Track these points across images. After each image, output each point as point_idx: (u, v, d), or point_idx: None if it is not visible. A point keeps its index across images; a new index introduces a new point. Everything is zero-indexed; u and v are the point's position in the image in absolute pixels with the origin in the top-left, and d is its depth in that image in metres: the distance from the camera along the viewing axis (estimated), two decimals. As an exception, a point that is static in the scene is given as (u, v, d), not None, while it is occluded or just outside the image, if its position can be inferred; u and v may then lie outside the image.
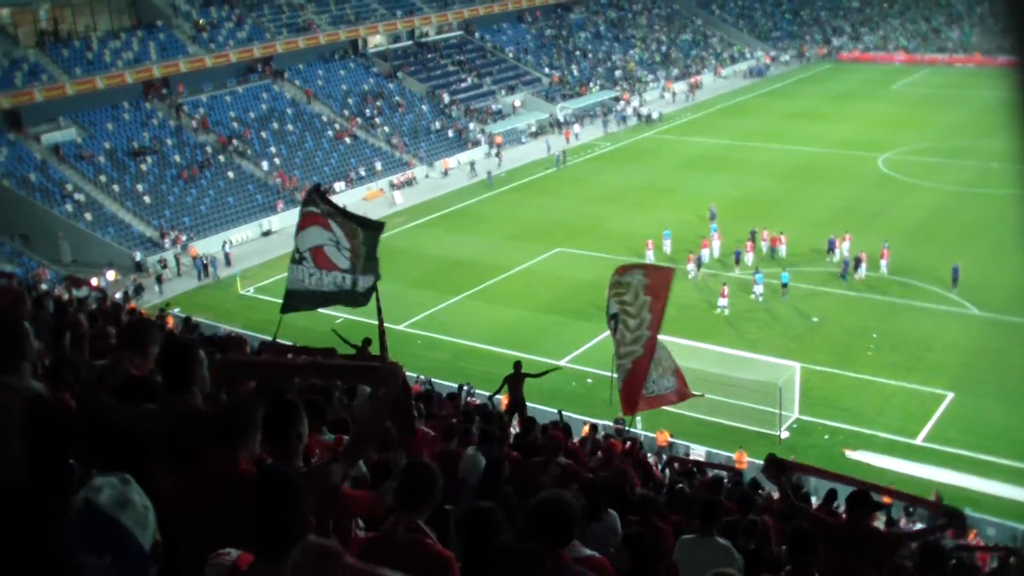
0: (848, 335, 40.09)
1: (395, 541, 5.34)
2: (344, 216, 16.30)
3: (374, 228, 16.46)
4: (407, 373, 25.46)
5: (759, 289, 44.76)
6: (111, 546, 3.46)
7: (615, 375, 15.97)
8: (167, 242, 55.54)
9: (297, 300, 17.20)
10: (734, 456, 30.57)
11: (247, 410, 5.42)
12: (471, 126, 77.35)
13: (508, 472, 11.36)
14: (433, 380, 31.62)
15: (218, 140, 66.42)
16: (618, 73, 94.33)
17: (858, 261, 46.25)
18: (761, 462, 28.23)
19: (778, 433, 32.83)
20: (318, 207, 16.03)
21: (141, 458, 5.07)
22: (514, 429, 19.88)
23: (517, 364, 24.54)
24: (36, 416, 5.43)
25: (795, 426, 33.70)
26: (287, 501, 4.15)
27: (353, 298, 16.61)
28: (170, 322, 33.18)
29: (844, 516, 10.58)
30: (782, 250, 49.46)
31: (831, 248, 48.56)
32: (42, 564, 4.24)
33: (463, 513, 5.63)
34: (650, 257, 49.29)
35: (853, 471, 29.81)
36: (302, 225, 16.22)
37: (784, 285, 44.84)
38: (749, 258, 48.38)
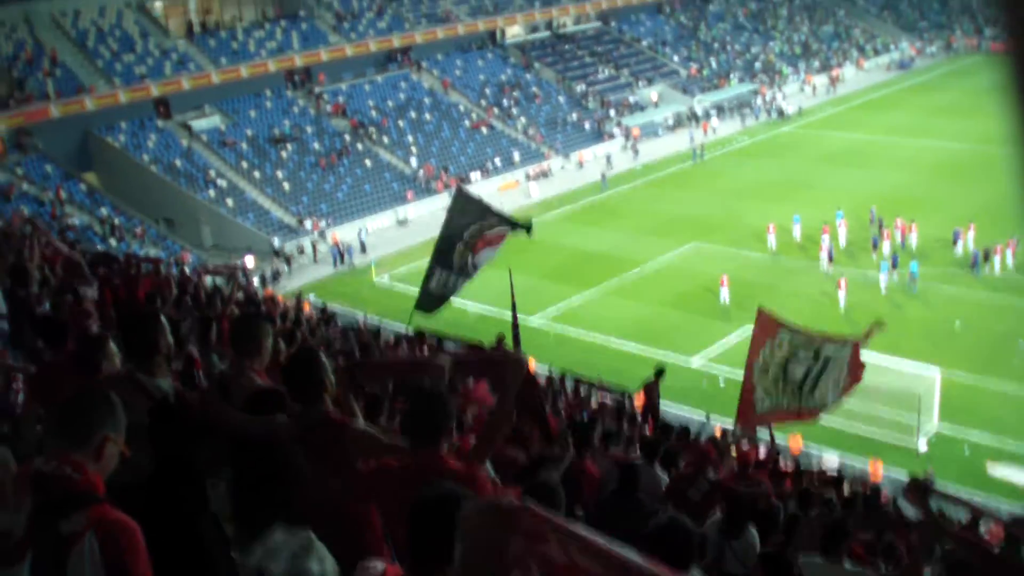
0: (994, 341, 38.43)
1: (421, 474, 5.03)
2: (499, 218, 16.81)
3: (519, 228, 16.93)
4: (538, 366, 25.35)
5: (884, 279, 44.08)
6: None
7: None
8: (305, 228, 56.50)
9: (430, 301, 17.58)
10: (868, 467, 29.53)
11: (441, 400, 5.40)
12: (609, 117, 76.98)
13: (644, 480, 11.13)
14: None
15: (356, 128, 67.28)
16: (757, 65, 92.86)
17: (987, 254, 45.05)
18: (896, 474, 27.34)
19: (916, 444, 31.65)
20: (485, 224, 16.51)
21: (274, 470, 5.07)
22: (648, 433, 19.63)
23: (660, 371, 24.35)
24: (161, 418, 5.56)
25: (934, 438, 32.41)
26: (443, 522, 4.01)
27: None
28: (307, 307, 33.63)
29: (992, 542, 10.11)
30: (912, 239, 48.36)
31: (956, 240, 47.51)
32: (172, 564, 4.27)
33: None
34: (771, 241, 49.45)
35: (996, 487, 28.70)
36: (479, 246, 16.73)
37: (913, 276, 44.00)
38: (886, 246, 47.30)
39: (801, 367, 15.50)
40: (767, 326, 15.79)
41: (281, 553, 3.60)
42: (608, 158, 69.76)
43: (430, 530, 3.89)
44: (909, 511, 11.34)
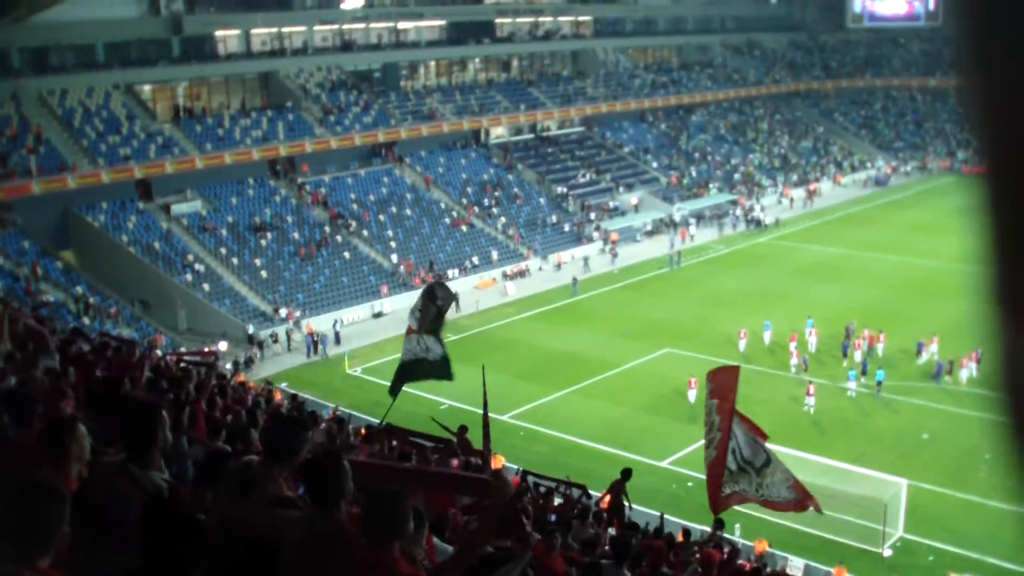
0: (960, 454, 38.69)
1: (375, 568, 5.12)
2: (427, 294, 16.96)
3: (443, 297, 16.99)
4: (508, 464, 25.27)
5: (852, 385, 45.37)
6: None
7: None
8: (280, 317, 56.44)
9: (397, 379, 17.61)
10: (833, 572, 29.64)
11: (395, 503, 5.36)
12: (589, 220, 77.62)
13: None
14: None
15: (337, 220, 67.58)
16: (736, 176, 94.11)
17: (951, 365, 46.30)
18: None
19: (881, 551, 31.80)
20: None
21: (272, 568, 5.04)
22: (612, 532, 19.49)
23: (626, 471, 24.20)
24: (155, 512, 5.45)
25: (899, 544, 32.52)
26: None
27: (431, 368, 16.82)
28: (277, 396, 33.50)
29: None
30: (880, 349, 49.49)
31: (919, 351, 48.93)
32: None
33: None
34: (742, 347, 50.43)
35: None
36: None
37: (879, 383, 45.17)
38: (857, 355, 48.65)
39: (749, 450, 15.65)
40: (724, 387, 15.91)
41: None
42: (586, 260, 70.22)
43: None
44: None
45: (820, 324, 52.01)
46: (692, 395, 44.37)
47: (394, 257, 65.43)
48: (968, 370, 46.13)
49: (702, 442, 36.74)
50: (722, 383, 15.28)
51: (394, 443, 20.48)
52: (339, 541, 5.37)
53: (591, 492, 24.99)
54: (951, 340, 47.91)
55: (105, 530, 5.72)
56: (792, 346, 49.52)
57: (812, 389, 43.90)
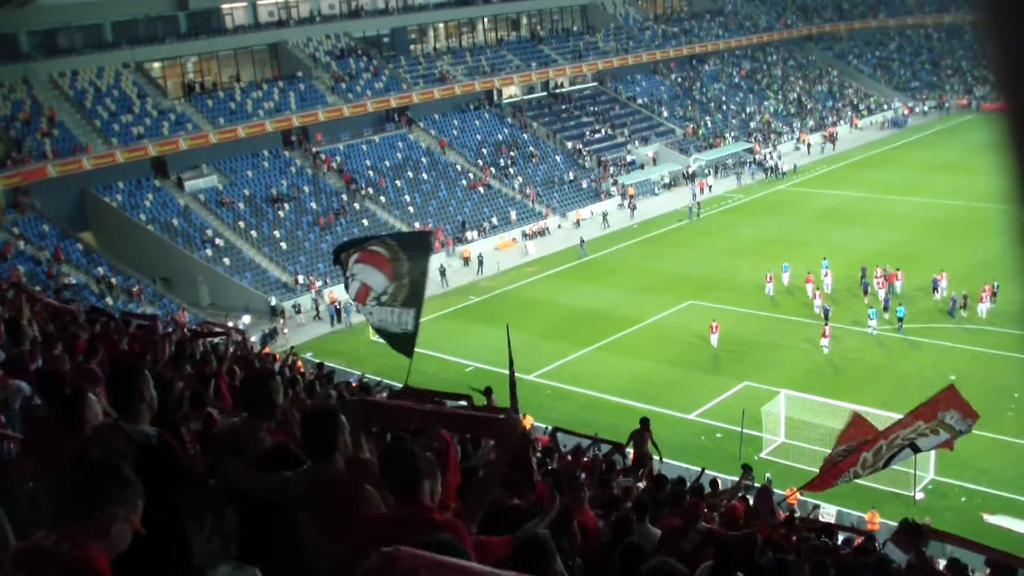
0: (988, 394, 38.28)
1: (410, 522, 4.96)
2: (389, 236, 15.79)
3: (418, 243, 15.55)
4: (536, 423, 25.19)
5: (873, 323, 45.95)
6: None
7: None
8: (301, 287, 56.46)
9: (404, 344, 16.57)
10: (866, 516, 29.57)
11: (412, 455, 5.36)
12: (606, 176, 77.26)
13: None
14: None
15: (353, 187, 67.45)
16: (752, 125, 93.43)
17: (966, 299, 46.96)
18: (894, 523, 27.15)
19: (912, 494, 31.63)
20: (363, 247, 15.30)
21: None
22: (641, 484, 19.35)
23: (644, 420, 23.93)
24: (144, 462, 5.60)
25: (930, 487, 32.40)
26: None
27: (396, 341, 15.65)
28: (300, 365, 33.44)
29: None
30: (898, 287, 50.31)
31: (935, 287, 49.73)
32: None
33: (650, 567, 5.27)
34: (769, 290, 51.27)
35: (991, 536, 28.62)
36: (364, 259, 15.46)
37: (900, 319, 45.94)
38: (881, 293, 49.56)
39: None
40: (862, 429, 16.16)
41: None
42: (604, 216, 70.00)
43: None
44: (897, 554, 11.17)
45: (841, 268, 52.31)
46: (714, 339, 44.59)
47: (416, 224, 65.24)
48: (985, 304, 46.55)
49: (730, 394, 36.84)
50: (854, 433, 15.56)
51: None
52: (341, 487, 5.57)
53: (625, 450, 24.77)
54: (975, 277, 47.84)
55: None
56: (810, 288, 50.19)
57: (827, 331, 44.23)
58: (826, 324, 45.00)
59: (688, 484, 18.61)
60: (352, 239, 16.16)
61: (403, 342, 15.62)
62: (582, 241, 63.53)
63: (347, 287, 15.00)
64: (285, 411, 8.58)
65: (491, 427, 7.12)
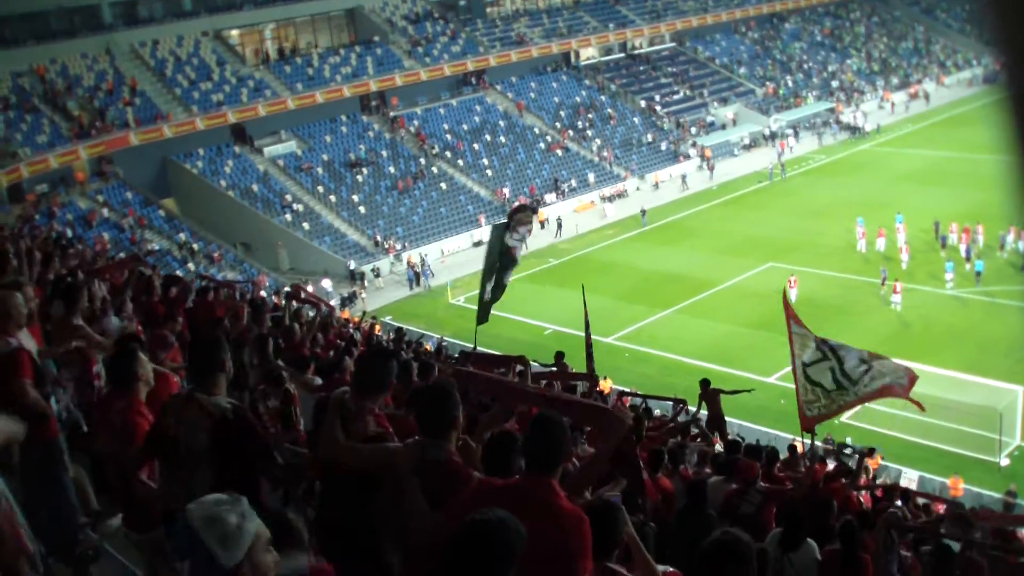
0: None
1: (528, 497, 4.77)
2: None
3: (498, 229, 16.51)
4: (615, 386, 24.90)
5: (950, 276, 45.87)
6: (190, 556, 3.71)
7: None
8: (381, 250, 56.72)
9: (484, 312, 17.30)
10: (948, 482, 28.87)
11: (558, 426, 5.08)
12: (685, 137, 76.51)
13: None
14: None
15: (431, 152, 67.50)
16: (835, 84, 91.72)
17: None
18: (978, 489, 26.53)
19: (998, 460, 30.91)
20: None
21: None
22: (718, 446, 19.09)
23: (704, 381, 23.58)
24: (221, 434, 5.78)
25: (1016, 453, 31.59)
26: (491, 545, 3.75)
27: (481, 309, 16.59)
28: (377, 329, 33.57)
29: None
30: (979, 241, 49.72)
31: (1002, 244, 49.76)
32: None
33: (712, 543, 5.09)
34: (861, 246, 51.55)
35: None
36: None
37: (978, 273, 45.81)
38: (962, 248, 49.18)
39: (824, 369, 14.99)
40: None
41: (203, 504, 3.75)
42: (683, 178, 69.35)
43: (470, 554, 3.76)
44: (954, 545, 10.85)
45: (919, 226, 51.92)
46: (793, 295, 43.94)
47: (489, 185, 65.12)
48: None
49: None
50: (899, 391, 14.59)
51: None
52: (451, 471, 5.34)
53: (690, 408, 24.41)
54: None
55: (179, 456, 6.06)
56: (881, 242, 51.13)
57: (899, 287, 44.00)
58: (896, 280, 44.66)
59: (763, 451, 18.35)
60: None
61: (482, 309, 16.41)
62: (643, 211, 62.01)
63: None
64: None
65: (597, 417, 6.84)
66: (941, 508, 18.08)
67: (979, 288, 44.85)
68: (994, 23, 1.31)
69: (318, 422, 6.67)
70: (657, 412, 24.66)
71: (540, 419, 5.14)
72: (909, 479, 28.91)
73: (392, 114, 70.17)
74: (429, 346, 32.75)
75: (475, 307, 17.07)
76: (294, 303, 21.68)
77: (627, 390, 27.90)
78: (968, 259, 47.19)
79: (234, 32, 69.54)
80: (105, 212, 53.33)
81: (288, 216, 57.93)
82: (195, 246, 53.18)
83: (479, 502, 4.72)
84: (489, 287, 16.72)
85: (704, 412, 24.16)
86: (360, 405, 6.22)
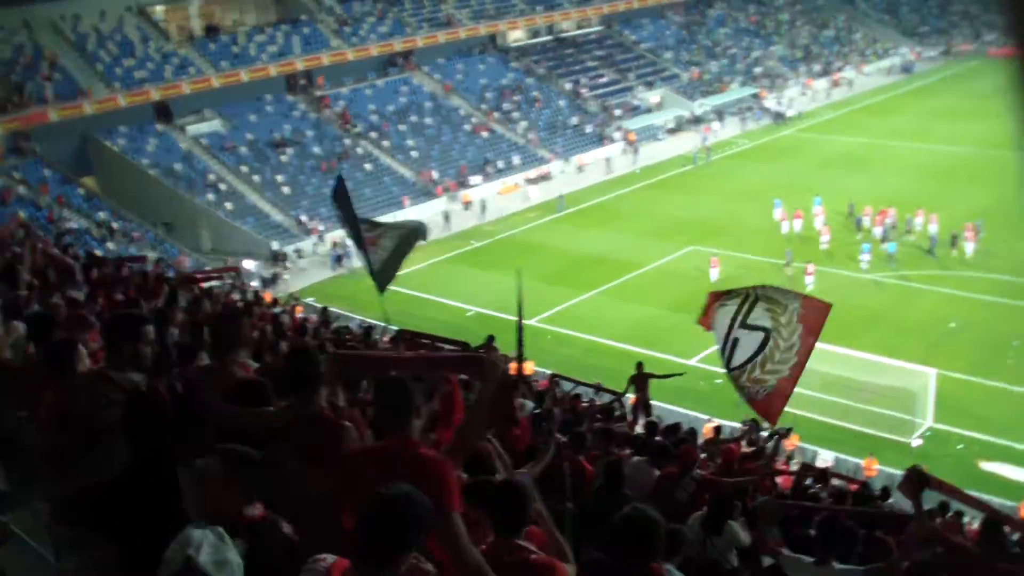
0: (987, 342, 38.54)
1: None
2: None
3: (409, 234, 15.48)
4: (537, 368, 25.13)
5: (866, 257, 47.22)
6: None
7: (744, 381, 15.27)
8: (304, 232, 56.49)
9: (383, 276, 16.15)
10: (863, 463, 29.65)
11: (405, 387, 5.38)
12: (610, 121, 76.97)
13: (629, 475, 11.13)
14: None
15: (356, 132, 67.30)
16: (758, 70, 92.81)
17: (955, 239, 48.08)
18: (891, 470, 27.23)
19: (910, 440, 31.80)
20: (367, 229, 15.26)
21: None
22: (639, 429, 19.44)
23: (639, 364, 24.02)
24: (135, 409, 5.72)
25: (929, 434, 32.51)
26: (398, 518, 3.98)
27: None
28: (299, 310, 33.55)
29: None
30: (889, 222, 50.98)
31: (907, 228, 51.31)
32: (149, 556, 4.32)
33: (624, 516, 5.33)
34: (784, 228, 52.55)
35: (988, 483, 28.93)
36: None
37: (891, 254, 47.43)
38: (877, 231, 50.54)
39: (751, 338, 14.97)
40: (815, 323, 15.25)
41: (203, 544, 3.85)
42: (608, 161, 69.79)
43: (379, 527, 3.94)
44: (904, 503, 11.15)
45: (829, 206, 53.44)
46: (714, 274, 45.41)
47: (414, 166, 65.10)
48: (971, 244, 47.74)
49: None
50: (814, 317, 14.53)
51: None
52: (323, 423, 5.71)
53: (623, 399, 24.74)
54: (992, 223, 49.08)
55: (94, 433, 6.08)
56: (798, 223, 52.29)
57: (811, 268, 45.00)
58: (808, 262, 45.65)
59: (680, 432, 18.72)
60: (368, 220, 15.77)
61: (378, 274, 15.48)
62: (561, 197, 61.94)
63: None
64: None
65: (473, 366, 7.15)
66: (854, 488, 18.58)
67: (893, 269, 46.37)
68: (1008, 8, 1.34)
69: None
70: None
71: (382, 383, 5.51)
72: (824, 460, 29.54)
73: (318, 94, 69.80)
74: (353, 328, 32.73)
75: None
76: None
77: (550, 372, 28.13)
78: (884, 240, 48.65)
79: (158, 8, 68.66)
80: (21, 190, 52.54)
81: (211, 196, 57.43)
82: (115, 225, 52.54)
83: (361, 462, 5.05)
84: (381, 253, 15.90)
85: (631, 395, 24.60)
86: (222, 364, 6.80)
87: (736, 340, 14.20)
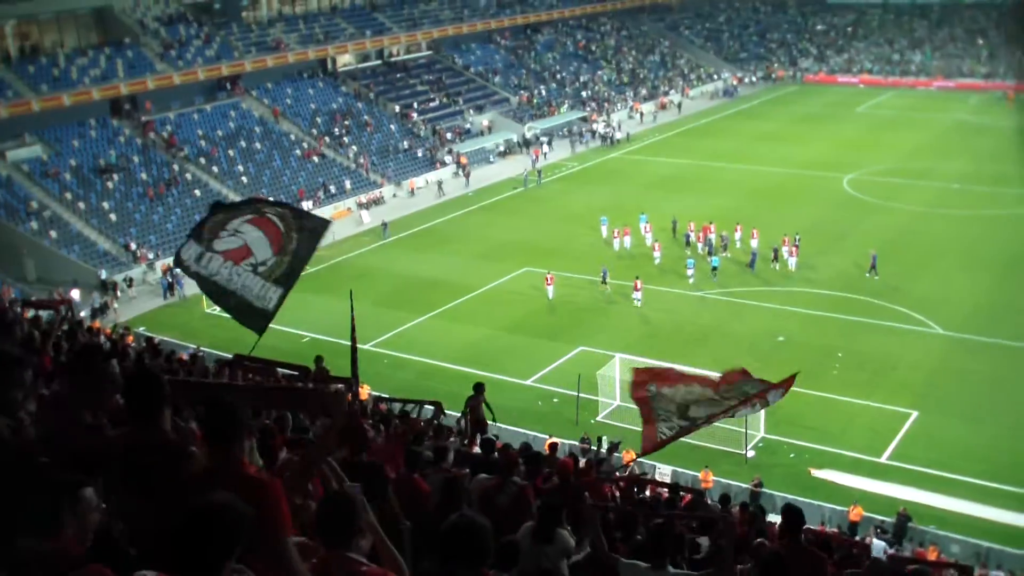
0: (814, 354, 40.21)
1: (222, 472, 5.16)
2: (289, 209, 14.79)
3: (314, 227, 14.68)
4: (374, 393, 25.18)
5: (691, 272, 49.49)
6: None
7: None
8: (133, 260, 55.20)
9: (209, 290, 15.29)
10: (700, 475, 30.66)
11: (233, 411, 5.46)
12: (441, 144, 77.41)
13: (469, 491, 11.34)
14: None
15: (184, 158, 66.16)
16: (586, 94, 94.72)
17: (776, 252, 50.72)
18: (728, 481, 28.20)
19: (744, 452, 32.96)
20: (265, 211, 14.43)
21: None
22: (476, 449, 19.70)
23: (478, 385, 24.30)
24: None
25: (761, 444, 33.84)
26: (215, 530, 4.09)
27: (251, 316, 14.46)
28: (130, 340, 32.89)
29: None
30: (712, 238, 53.59)
31: (724, 244, 53.57)
32: None
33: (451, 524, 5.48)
34: (615, 245, 54.73)
35: (818, 489, 30.30)
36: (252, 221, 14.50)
37: (714, 268, 49.76)
38: (700, 246, 53.82)
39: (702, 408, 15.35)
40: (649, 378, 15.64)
41: None
42: (440, 184, 70.21)
43: (193, 538, 4.04)
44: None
45: (664, 228, 55.42)
46: (551, 291, 46.98)
47: (244, 192, 64.37)
48: (793, 258, 50.21)
49: (566, 359, 37.54)
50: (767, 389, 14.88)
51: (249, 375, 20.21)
52: (166, 449, 5.58)
53: (445, 411, 24.89)
54: (812, 240, 51.67)
55: None
56: (627, 240, 54.64)
57: (639, 284, 46.74)
58: (636, 278, 47.19)
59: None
60: (249, 198, 15.42)
61: (257, 318, 14.56)
62: (384, 224, 61.90)
63: (211, 241, 14.00)
64: None
65: (315, 399, 7.31)
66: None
67: (715, 283, 48.79)
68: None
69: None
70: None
71: (211, 405, 5.60)
72: (662, 474, 30.41)
73: (143, 119, 68.36)
74: (184, 355, 32.27)
75: (231, 317, 15.27)
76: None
77: (385, 396, 28.28)
78: (712, 252, 51.32)
79: (-28, 29, 66.39)
80: None
81: (34, 224, 55.56)
82: (-68, 255, 50.57)
83: (181, 491, 5.14)
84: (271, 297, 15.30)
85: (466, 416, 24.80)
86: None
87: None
